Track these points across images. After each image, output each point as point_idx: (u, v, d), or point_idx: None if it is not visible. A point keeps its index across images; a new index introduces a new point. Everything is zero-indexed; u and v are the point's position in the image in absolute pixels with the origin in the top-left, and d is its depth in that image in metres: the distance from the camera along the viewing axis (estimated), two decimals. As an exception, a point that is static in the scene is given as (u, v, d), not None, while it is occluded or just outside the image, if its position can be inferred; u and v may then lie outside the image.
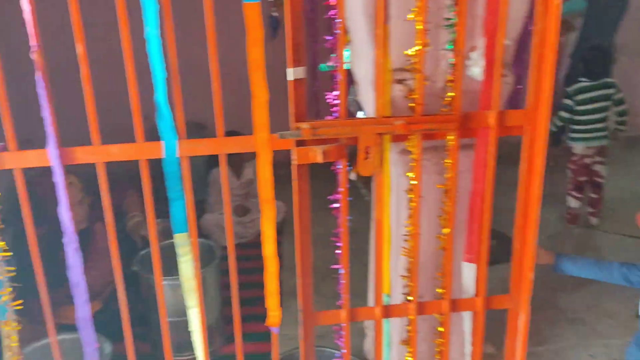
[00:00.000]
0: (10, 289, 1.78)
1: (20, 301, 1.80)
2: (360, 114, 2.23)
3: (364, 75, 1.98)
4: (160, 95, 1.67)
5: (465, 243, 1.94)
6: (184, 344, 2.66)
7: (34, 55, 1.57)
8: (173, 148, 1.72)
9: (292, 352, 2.59)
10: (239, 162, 4.03)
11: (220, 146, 1.74)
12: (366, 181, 2.42)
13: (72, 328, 2.58)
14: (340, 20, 1.63)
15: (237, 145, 1.76)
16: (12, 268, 1.77)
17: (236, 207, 4.05)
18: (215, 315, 2.98)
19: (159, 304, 1.94)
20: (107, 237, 3.05)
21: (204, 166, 4.17)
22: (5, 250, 1.74)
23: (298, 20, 1.60)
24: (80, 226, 2.73)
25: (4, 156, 1.67)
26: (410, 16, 1.65)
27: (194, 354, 2.53)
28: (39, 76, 1.59)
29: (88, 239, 2.77)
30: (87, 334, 1.86)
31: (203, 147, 1.76)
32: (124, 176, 2.76)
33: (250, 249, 3.51)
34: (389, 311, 1.93)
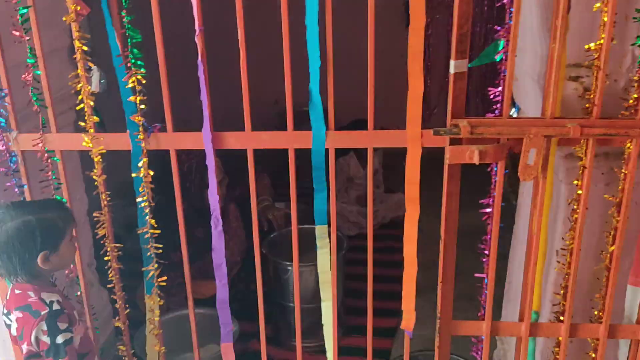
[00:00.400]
0: (157, 265, 1.85)
1: (164, 277, 1.87)
2: (512, 112, 2.05)
3: (528, 69, 1.80)
4: (314, 83, 1.63)
5: (633, 264, 1.72)
6: (306, 331, 2.67)
7: (198, 39, 1.58)
8: (322, 139, 1.68)
9: (415, 354, 2.49)
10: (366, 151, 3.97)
11: (371, 140, 1.68)
12: (513, 184, 2.24)
13: (199, 303, 2.69)
14: (515, 9, 1.48)
15: (387, 139, 1.68)
16: (160, 245, 1.83)
17: (359, 196, 4.00)
18: (337, 306, 2.95)
19: (295, 292, 1.93)
20: (239, 219, 3.15)
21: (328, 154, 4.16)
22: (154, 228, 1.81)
23: (467, 6, 1.47)
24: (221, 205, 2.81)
25: (161, 137, 1.72)
26: (597, 5, 1.46)
27: (314, 342, 2.53)
28: (199, 60, 1.61)
29: (222, 218, 2.84)
30: (225, 315, 1.89)
31: (352, 139, 1.70)
32: (255, 159, 2.81)
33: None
34: (536, 329, 1.77)
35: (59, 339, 1.52)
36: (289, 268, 2.83)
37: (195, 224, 2.46)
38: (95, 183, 1.76)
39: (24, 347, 1.54)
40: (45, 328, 1.52)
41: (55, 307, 1.55)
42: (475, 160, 1.56)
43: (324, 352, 2.15)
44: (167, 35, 1.62)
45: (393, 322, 2.92)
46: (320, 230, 1.80)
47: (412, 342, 2.44)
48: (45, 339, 1.51)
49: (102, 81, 1.77)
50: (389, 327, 2.95)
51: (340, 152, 4.21)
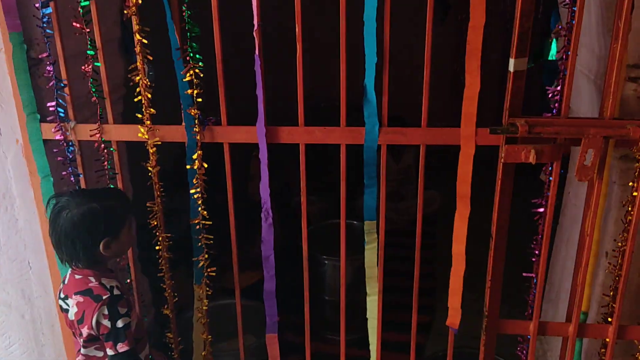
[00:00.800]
0: (207, 256, 1.88)
1: (214, 267, 1.90)
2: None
3: (582, 68, 1.79)
4: (369, 80, 1.63)
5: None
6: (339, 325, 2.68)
7: (255, 34, 1.60)
8: (375, 135, 1.68)
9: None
10: (399, 147, 3.96)
11: (424, 137, 1.68)
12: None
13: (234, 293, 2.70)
14: (578, 8, 1.47)
15: (440, 137, 1.68)
16: (211, 236, 1.86)
17: (390, 193, 4.00)
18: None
19: (340, 287, 1.95)
20: (275, 213, 3.17)
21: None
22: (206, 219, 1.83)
23: (530, 4, 1.46)
24: (258, 198, 2.84)
25: (215, 130, 1.74)
26: (662, 5, 1.45)
27: (348, 336, 2.55)
28: (256, 55, 1.63)
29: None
30: (271, 307, 1.92)
31: (404, 136, 1.70)
32: (290, 153, 2.84)
33: (401, 237, 3.46)
34: (584, 330, 1.76)
35: (119, 323, 1.55)
36: (326, 262, 2.85)
37: (236, 216, 2.49)
38: (150, 174, 1.79)
39: (84, 330, 1.57)
40: (106, 312, 1.55)
41: (116, 292, 1.58)
42: (532, 159, 1.55)
43: (357, 345, 2.18)
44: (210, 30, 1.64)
45: (426, 318, 2.93)
46: (369, 225, 1.81)
47: (447, 339, 2.47)
48: (106, 322, 1.55)
49: (151, 73, 1.80)
50: (422, 323, 2.96)
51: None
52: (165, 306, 1.98)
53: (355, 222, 2.87)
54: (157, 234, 1.86)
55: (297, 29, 1.60)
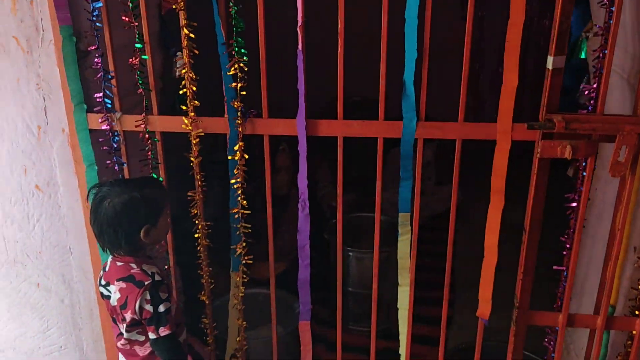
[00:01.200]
0: (245, 244, 1.93)
1: (251, 256, 1.95)
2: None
3: (615, 67, 1.82)
4: (408, 75, 1.68)
5: None
6: (364, 316, 2.74)
7: (299, 30, 1.65)
8: (412, 129, 1.73)
9: (473, 344, 2.55)
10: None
11: (460, 131, 1.72)
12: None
13: (261, 283, 2.76)
14: (616, 8, 1.51)
15: (476, 131, 1.73)
16: (249, 225, 1.92)
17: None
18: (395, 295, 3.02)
19: (373, 280, 2.00)
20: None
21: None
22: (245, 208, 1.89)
23: (569, 5, 1.50)
24: (282, 191, 2.91)
25: (256, 122, 1.79)
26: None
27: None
28: (299, 50, 1.68)
29: (286, 203, 2.94)
30: (305, 295, 1.98)
31: (441, 130, 1.75)
32: (316, 146, 2.89)
33: (421, 231, 3.49)
34: (612, 323, 1.81)
35: (161, 308, 1.61)
36: (350, 253, 2.91)
37: (259, 208, 2.55)
38: (191, 164, 1.85)
39: (128, 315, 1.63)
40: (148, 297, 1.61)
41: (157, 277, 1.64)
42: (568, 155, 1.60)
43: (383, 337, 2.22)
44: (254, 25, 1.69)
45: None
46: (403, 217, 1.86)
47: (466, 333, 2.51)
48: (149, 307, 1.61)
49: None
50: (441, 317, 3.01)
51: (394, 143, 4.26)
52: (202, 292, 2.04)
53: (378, 215, 2.93)
54: (197, 222, 1.91)
55: (339, 25, 1.65)
